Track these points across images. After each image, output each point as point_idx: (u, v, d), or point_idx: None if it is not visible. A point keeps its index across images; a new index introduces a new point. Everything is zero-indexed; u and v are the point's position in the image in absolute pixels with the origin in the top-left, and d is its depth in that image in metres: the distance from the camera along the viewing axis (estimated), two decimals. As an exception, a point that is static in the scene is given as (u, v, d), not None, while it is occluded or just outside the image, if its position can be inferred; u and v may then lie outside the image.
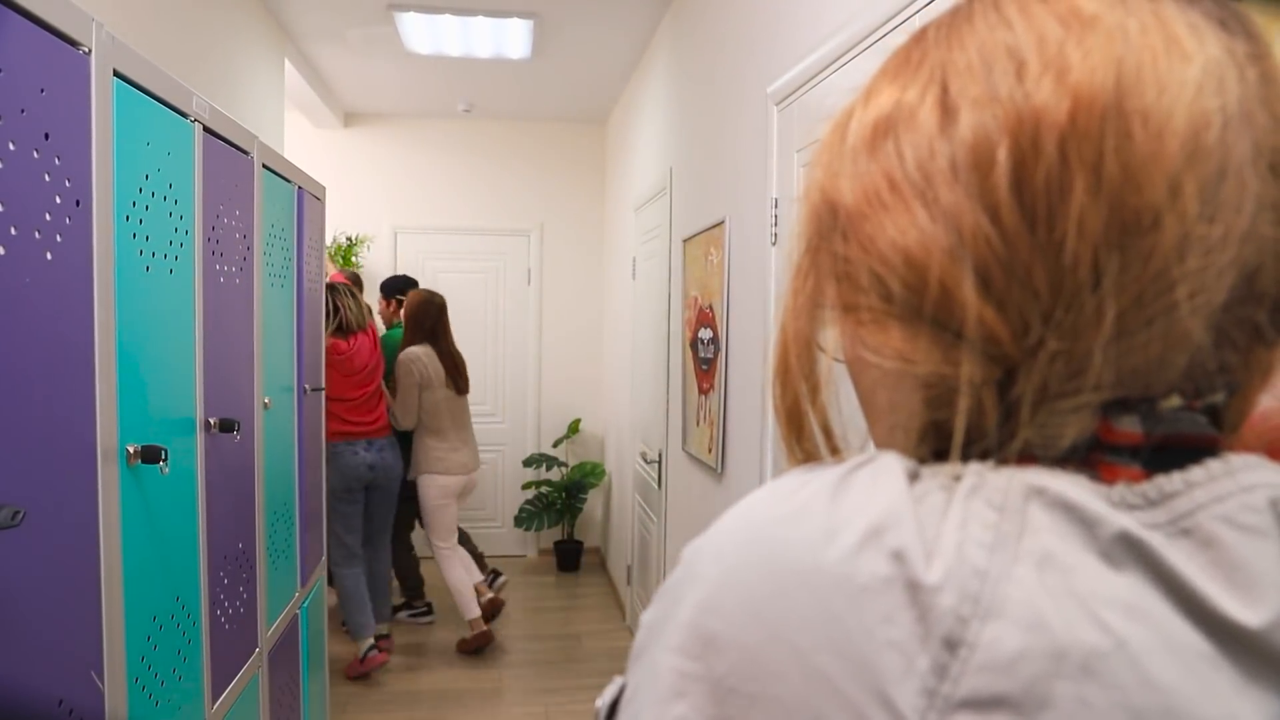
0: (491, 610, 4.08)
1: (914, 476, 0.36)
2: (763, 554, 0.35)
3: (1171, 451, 0.36)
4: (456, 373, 3.94)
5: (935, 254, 0.36)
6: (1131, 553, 0.33)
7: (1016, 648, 0.31)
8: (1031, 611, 0.31)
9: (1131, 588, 0.32)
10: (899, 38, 0.44)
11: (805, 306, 0.44)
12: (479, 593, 4.06)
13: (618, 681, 0.43)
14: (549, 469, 5.38)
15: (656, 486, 3.69)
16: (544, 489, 5.36)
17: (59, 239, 1.11)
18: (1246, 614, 0.32)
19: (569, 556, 5.35)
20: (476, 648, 4.01)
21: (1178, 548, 0.33)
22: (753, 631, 0.34)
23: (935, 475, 0.36)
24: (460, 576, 3.97)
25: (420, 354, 3.86)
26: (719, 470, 2.67)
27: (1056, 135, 0.34)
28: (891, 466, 0.36)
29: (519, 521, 5.30)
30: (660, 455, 3.61)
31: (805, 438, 0.46)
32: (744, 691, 0.34)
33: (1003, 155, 0.35)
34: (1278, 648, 0.32)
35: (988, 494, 0.34)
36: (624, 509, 4.72)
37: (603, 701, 0.44)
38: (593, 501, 5.60)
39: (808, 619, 0.33)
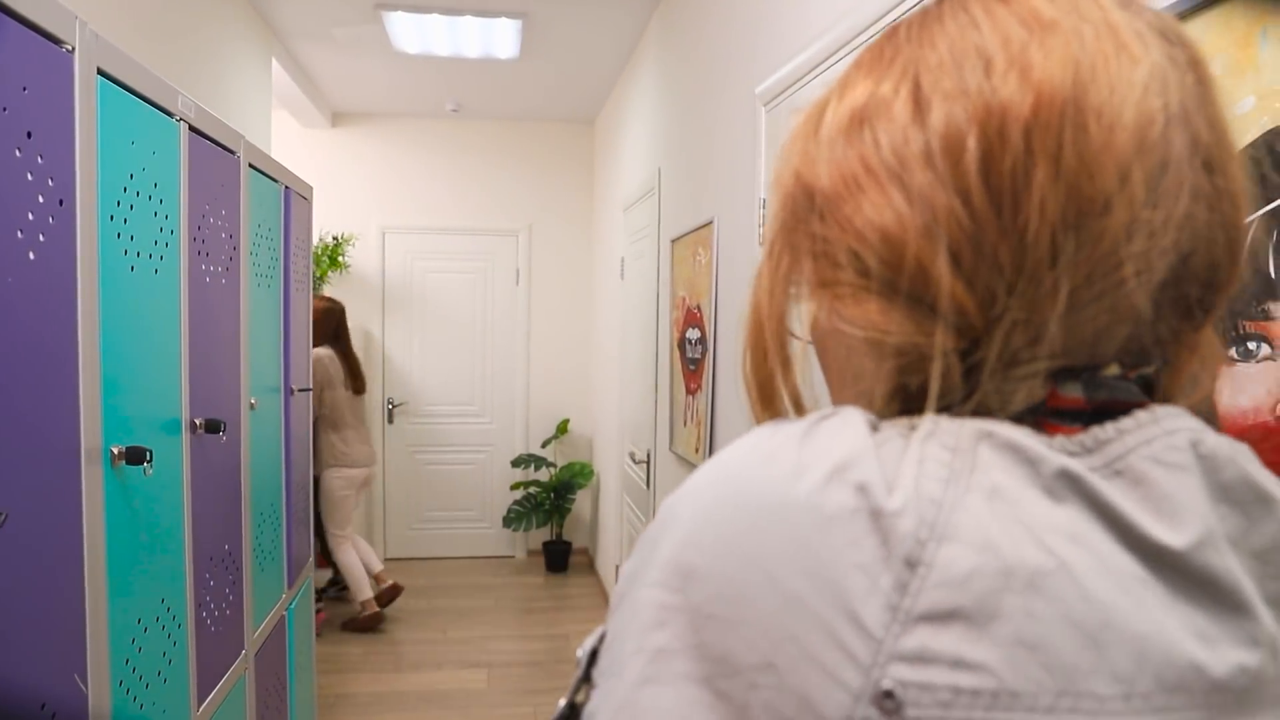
0: (390, 595, 4.47)
1: (875, 427, 0.39)
2: (736, 492, 0.38)
3: (1107, 414, 0.40)
4: (354, 374, 4.33)
5: (911, 233, 0.39)
6: (1071, 487, 0.36)
7: (969, 566, 0.34)
8: (982, 535, 0.34)
9: (1071, 518, 0.35)
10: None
11: (780, 284, 0.46)
12: (379, 580, 4.47)
13: (598, 630, 0.44)
14: (537, 469, 5.38)
15: (645, 487, 3.69)
16: (532, 489, 5.35)
17: (42, 238, 1.10)
18: (1173, 537, 0.36)
19: (557, 557, 5.34)
20: (367, 627, 4.33)
21: (1112, 486, 0.37)
22: (729, 561, 0.36)
23: (894, 425, 0.39)
24: (353, 559, 4.35)
25: (324, 355, 4.21)
26: (707, 470, 2.67)
27: (1021, 127, 0.38)
28: (854, 417, 0.39)
29: (507, 522, 5.29)
30: (649, 455, 3.61)
31: (776, 409, 0.48)
32: (722, 616, 0.36)
33: (972, 143, 0.38)
34: (1199, 566, 0.36)
35: (941, 437, 0.37)
36: (612, 509, 4.72)
37: (584, 650, 0.45)
38: (581, 502, 5.60)
39: (780, 547, 0.35)
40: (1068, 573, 0.34)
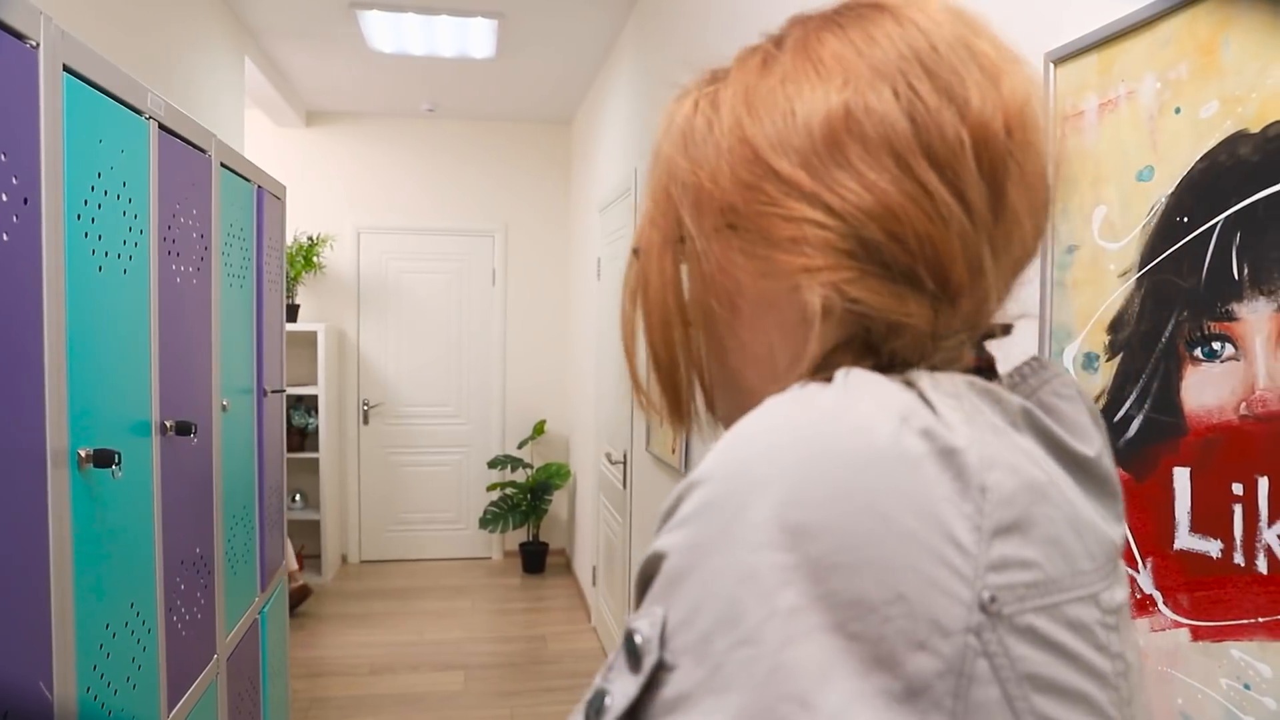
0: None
1: None
2: (823, 450, 0.41)
3: (981, 371, 0.50)
4: None
5: (927, 223, 0.45)
6: (1026, 420, 0.46)
7: (1012, 486, 0.42)
8: (1007, 460, 0.42)
9: (1031, 443, 0.45)
10: None
11: (710, 267, 0.52)
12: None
13: (651, 612, 0.42)
14: (514, 470, 5.36)
15: (621, 487, 3.69)
16: (509, 490, 5.33)
17: (5, 237, 1.08)
18: (1088, 450, 0.48)
19: (534, 558, 5.33)
20: (298, 598, 4.47)
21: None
22: (842, 511, 0.39)
23: (893, 380, 0.44)
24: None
25: None
26: (683, 471, 2.67)
27: (1002, 137, 0.46)
28: (873, 375, 0.44)
29: (484, 523, 5.27)
30: (625, 456, 3.61)
31: (684, 400, 0.55)
32: (848, 564, 0.39)
33: (969, 148, 0.45)
34: (1101, 469, 0.49)
35: (944, 387, 0.44)
36: (589, 510, 4.71)
37: (646, 636, 0.41)
38: (558, 503, 5.59)
39: (886, 492, 0.40)
40: (1054, 483, 0.44)
